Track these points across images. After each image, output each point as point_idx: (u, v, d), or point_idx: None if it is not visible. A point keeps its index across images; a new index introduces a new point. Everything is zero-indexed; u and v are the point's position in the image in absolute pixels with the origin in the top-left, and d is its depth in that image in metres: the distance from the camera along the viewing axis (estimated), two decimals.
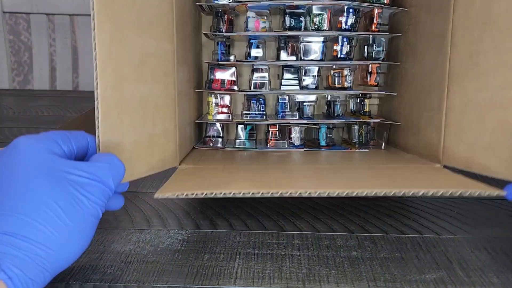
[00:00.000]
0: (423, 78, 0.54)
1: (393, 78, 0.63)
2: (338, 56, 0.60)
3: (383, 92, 0.61)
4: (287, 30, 0.58)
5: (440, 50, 0.49)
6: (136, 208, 0.49)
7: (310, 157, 0.55)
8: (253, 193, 0.36)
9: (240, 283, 0.37)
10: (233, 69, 0.60)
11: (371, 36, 0.59)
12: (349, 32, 0.58)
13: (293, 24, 0.58)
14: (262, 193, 0.36)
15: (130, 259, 0.39)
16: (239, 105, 0.67)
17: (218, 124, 0.62)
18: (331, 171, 0.45)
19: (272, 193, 0.36)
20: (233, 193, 0.36)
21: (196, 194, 0.36)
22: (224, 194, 0.36)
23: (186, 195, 0.36)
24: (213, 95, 0.61)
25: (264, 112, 0.61)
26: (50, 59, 1.02)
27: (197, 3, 0.58)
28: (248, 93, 0.61)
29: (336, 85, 0.61)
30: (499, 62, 0.41)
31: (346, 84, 0.60)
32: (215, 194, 0.36)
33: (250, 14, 0.58)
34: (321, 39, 0.59)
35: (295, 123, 0.61)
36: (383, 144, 0.62)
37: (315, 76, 0.61)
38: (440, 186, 0.37)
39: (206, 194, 0.36)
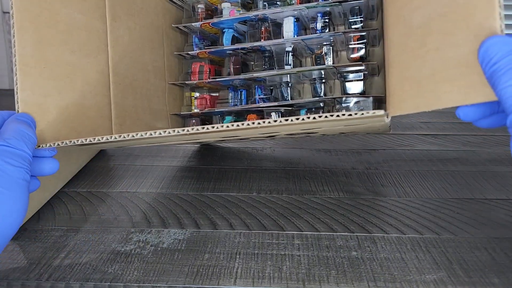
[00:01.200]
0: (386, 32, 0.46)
1: (379, 52, 0.58)
2: (316, 32, 0.56)
3: (362, 63, 0.55)
4: (257, 10, 0.56)
5: None
6: (136, 208, 0.49)
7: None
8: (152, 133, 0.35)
9: (240, 283, 0.37)
10: (210, 64, 0.60)
11: (349, 7, 0.55)
12: (316, 3, 0.54)
13: (267, 7, 0.56)
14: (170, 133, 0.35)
15: (130, 259, 0.39)
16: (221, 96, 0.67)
17: (198, 119, 0.62)
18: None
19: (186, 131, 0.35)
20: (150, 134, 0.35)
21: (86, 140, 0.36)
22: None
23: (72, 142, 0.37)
24: (189, 89, 0.61)
25: (245, 101, 0.60)
26: None
27: (170, 0, 0.59)
28: (218, 80, 0.59)
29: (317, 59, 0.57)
30: None
31: (328, 60, 0.57)
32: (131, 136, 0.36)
33: (225, 5, 0.58)
34: (293, 18, 0.56)
35: (266, 106, 0.57)
36: None
37: (288, 56, 0.57)
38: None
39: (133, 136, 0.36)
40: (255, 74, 0.57)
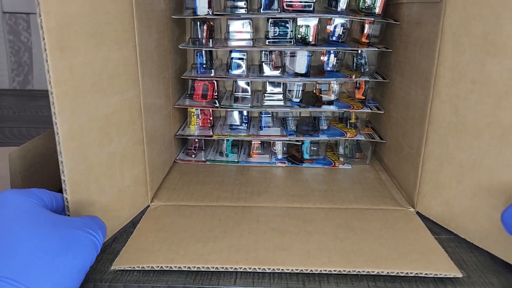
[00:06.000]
0: (408, 107, 0.51)
1: (382, 93, 0.62)
2: (324, 68, 0.58)
3: (370, 111, 0.59)
4: (270, 46, 0.55)
5: (423, 91, 0.46)
6: None
7: (284, 187, 0.53)
8: (198, 267, 0.37)
9: (240, 283, 0.37)
10: (214, 82, 0.58)
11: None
12: (335, 48, 0.56)
13: (277, 32, 0.56)
14: (208, 267, 0.37)
15: None
16: (222, 112, 0.66)
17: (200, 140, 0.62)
18: (293, 233, 0.43)
19: (217, 268, 0.37)
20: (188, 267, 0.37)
21: (152, 267, 0.37)
22: (180, 267, 0.37)
23: (143, 267, 0.37)
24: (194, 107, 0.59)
25: (246, 123, 0.61)
26: None
27: (173, 17, 0.56)
28: (229, 110, 0.60)
29: (323, 96, 0.60)
30: (485, 126, 0.39)
31: (332, 96, 0.59)
32: (170, 267, 0.37)
33: (231, 22, 0.56)
34: (307, 54, 0.56)
35: (278, 140, 0.60)
36: (368, 159, 0.61)
37: (299, 90, 0.59)
38: (409, 265, 0.38)
39: (161, 267, 0.37)
40: (269, 109, 0.59)
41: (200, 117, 0.61)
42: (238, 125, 0.61)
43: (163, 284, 0.36)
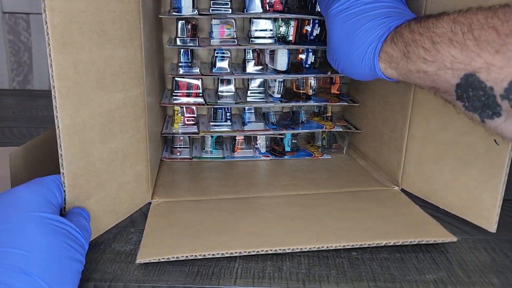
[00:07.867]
0: (387, 95, 0.54)
1: (356, 87, 0.65)
2: (303, 65, 0.60)
3: (346, 104, 0.63)
4: (254, 45, 0.57)
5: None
6: None
7: (276, 178, 0.56)
8: (223, 253, 0.39)
9: (240, 283, 0.37)
10: (199, 81, 0.59)
11: None
12: (315, 47, 0.58)
13: (259, 32, 0.57)
14: (232, 253, 0.39)
15: (130, 259, 0.39)
16: (205, 109, 0.67)
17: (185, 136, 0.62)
18: (301, 218, 0.45)
19: (241, 252, 0.39)
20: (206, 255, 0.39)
21: (177, 257, 0.38)
22: (204, 255, 0.39)
23: (168, 258, 0.38)
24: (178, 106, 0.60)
25: (230, 119, 0.62)
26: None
27: (160, 16, 0.57)
28: (215, 107, 0.60)
29: (301, 91, 0.62)
30: None
31: (310, 92, 0.62)
32: (195, 256, 0.38)
33: (214, 21, 0.57)
34: (287, 52, 0.58)
35: (261, 134, 0.62)
36: (345, 149, 0.65)
37: (280, 86, 0.61)
38: (399, 236, 0.42)
39: (186, 256, 0.38)
40: (254, 105, 0.60)
41: (184, 115, 0.61)
42: (222, 121, 0.62)
43: (163, 284, 0.36)
